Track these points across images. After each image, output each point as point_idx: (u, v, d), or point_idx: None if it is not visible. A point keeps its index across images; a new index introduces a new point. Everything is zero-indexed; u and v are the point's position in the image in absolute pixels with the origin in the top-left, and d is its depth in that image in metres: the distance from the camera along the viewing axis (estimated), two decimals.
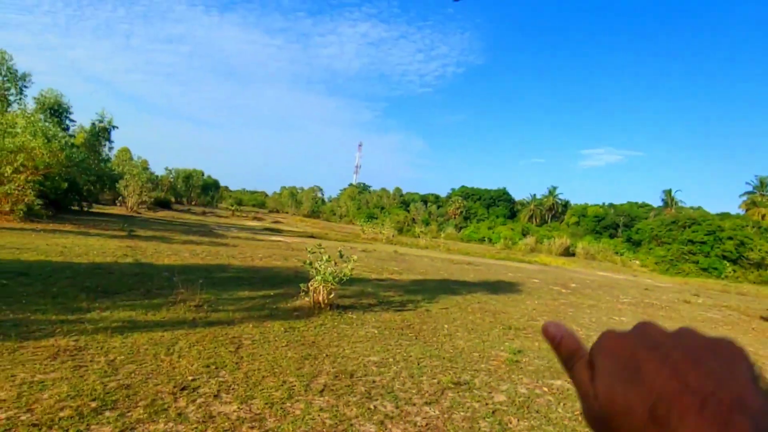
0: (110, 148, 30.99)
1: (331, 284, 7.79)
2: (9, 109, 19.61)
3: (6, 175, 15.17)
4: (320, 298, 7.84)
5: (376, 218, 55.39)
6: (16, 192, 15.43)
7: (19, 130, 15.41)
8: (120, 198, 33.71)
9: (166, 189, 56.25)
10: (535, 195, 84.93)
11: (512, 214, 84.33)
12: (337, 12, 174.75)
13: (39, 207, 16.46)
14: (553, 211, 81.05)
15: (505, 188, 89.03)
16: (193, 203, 69.88)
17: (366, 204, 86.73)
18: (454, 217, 77.42)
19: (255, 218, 51.87)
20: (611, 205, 79.23)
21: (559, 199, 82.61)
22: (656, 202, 76.23)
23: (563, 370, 0.39)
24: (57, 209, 20.29)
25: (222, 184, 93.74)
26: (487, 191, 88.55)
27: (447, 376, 5.29)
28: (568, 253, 47.26)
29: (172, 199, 57.68)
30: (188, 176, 69.16)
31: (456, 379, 5.27)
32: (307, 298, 7.99)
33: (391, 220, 50.45)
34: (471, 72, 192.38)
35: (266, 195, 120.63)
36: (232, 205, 62.15)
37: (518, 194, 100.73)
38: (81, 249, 11.78)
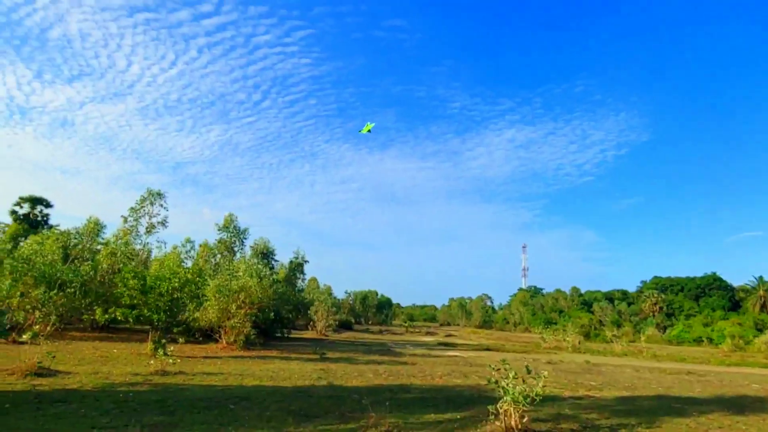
0: (303, 280, 36.05)
1: (523, 405, 7.06)
2: (234, 258, 25.02)
3: (232, 311, 18.69)
4: (513, 423, 7.10)
5: (555, 324, 50.34)
6: (239, 325, 18.72)
7: (241, 274, 19.26)
8: (311, 322, 37.89)
9: (346, 311, 61.42)
10: (761, 277, 67.43)
11: (734, 305, 67.61)
12: (482, 126, 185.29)
13: (254, 336, 19.50)
14: None
15: (715, 273, 73.29)
16: (370, 322, 74.21)
17: (541, 309, 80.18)
18: (653, 315, 65.44)
19: (428, 333, 52.07)
20: None
21: None
22: None
23: None
24: (266, 337, 23.68)
25: (394, 301, 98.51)
26: (691, 280, 73.98)
27: None
28: None
29: (353, 320, 62.31)
30: (364, 297, 74.76)
31: None
32: (497, 422, 7.32)
33: (574, 324, 45.12)
34: (636, 151, 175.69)
35: (436, 308, 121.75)
36: (405, 322, 64.00)
37: (736, 279, 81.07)
38: (285, 373, 13.25)
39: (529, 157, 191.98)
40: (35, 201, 37.57)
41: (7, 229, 31.07)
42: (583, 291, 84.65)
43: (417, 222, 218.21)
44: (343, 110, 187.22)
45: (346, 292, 69.09)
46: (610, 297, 78.13)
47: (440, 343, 33.10)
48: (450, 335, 47.41)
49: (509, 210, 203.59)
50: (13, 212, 36.52)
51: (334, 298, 51.16)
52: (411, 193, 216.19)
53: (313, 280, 56.40)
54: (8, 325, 15.52)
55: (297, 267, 32.97)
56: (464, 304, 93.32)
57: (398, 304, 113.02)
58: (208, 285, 19.20)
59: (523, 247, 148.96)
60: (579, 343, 34.06)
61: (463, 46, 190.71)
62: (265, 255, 27.46)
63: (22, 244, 23.77)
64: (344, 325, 50.29)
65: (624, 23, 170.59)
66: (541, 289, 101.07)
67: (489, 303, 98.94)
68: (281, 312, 25.71)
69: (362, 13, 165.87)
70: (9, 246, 22.79)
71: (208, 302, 18.80)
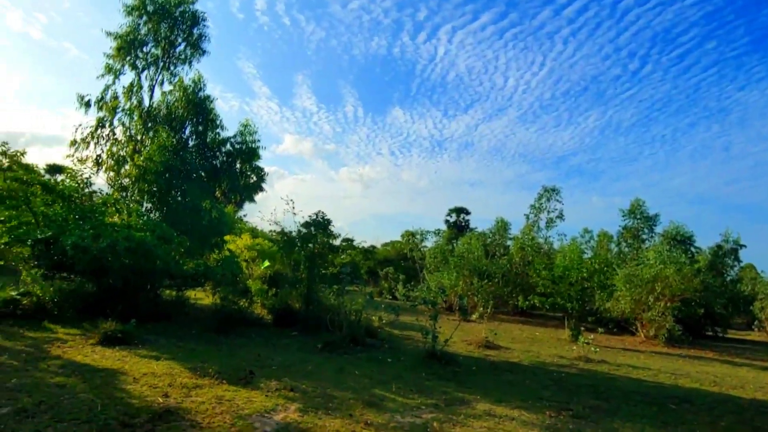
0: (735, 268, 28.75)
1: None
2: (643, 246, 23.01)
3: (648, 303, 17.16)
4: None
5: None
6: (658, 318, 16.95)
7: (652, 262, 17.44)
8: (756, 321, 29.53)
9: None
10: None
11: None
12: None
13: (679, 333, 17.14)
14: None
15: None
16: None
17: None
18: None
19: None
20: None
21: None
22: None
23: None
24: (694, 335, 20.33)
25: None
26: None
27: None
28: None
29: None
30: None
31: None
32: None
33: None
34: None
35: None
36: None
37: None
38: (733, 380, 10.92)
39: None
40: (459, 210, 47.62)
41: (443, 234, 40.71)
42: None
43: None
44: (759, 41, 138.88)
45: None
46: None
47: None
48: None
49: None
50: (446, 221, 47.67)
51: None
52: None
53: (750, 267, 44.06)
54: (466, 308, 20.13)
55: (727, 253, 26.59)
56: None
57: None
58: (617, 274, 18.43)
59: None
60: None
61: None
62: (680, 241, 23.63)
63: (455, 244, 30.50)
64: None
65: None
66: None
67: None
68: (712, 307, 21.35)
69: None
70: (448, 247, 29.76)
71: (619, 293, 18.02)
